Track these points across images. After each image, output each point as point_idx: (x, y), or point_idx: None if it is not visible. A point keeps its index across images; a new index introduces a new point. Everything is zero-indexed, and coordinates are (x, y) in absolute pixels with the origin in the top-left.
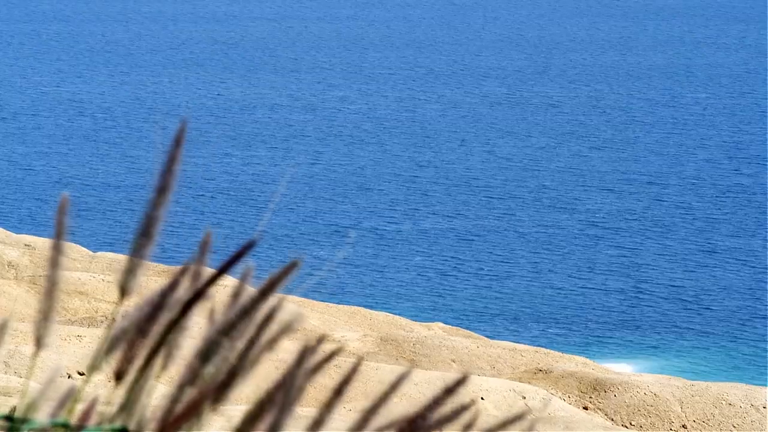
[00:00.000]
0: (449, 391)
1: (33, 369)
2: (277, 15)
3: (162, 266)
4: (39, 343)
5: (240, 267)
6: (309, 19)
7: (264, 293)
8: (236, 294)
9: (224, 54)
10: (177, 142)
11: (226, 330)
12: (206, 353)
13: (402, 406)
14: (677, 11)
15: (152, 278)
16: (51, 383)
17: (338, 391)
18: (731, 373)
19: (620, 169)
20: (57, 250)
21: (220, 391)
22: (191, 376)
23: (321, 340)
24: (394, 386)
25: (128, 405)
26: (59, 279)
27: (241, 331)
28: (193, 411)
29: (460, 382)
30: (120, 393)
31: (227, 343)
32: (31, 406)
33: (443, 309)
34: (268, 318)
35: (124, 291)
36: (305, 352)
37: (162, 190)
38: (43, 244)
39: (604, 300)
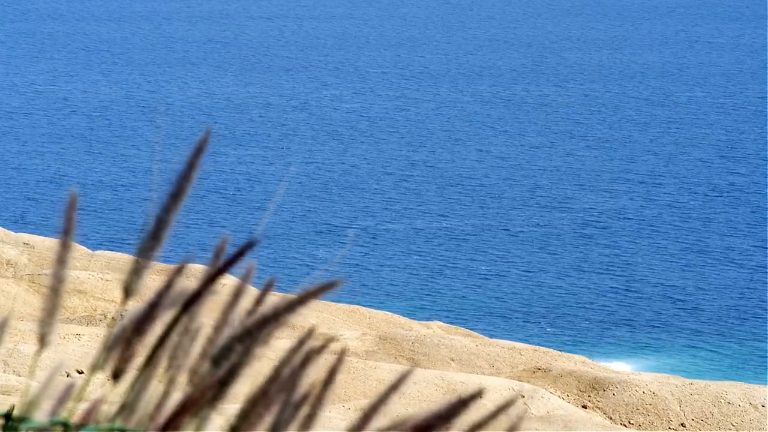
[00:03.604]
0: (463, 403)
1: (34, 367)
2: (271, 14)
3: (161, 265)
4: (42, 341)
5: (240, 266)
6: (303, 18)
7: (292, 306)
8: (256, 300)
9: (218, 53)
10: (199, 150)
11: (242, 337)
12: (219, 358)
13: (401, 405)
14: (671, 10)
15: (150, 277)
16: (51, 382)
17: (327, 382)
18: (728, 372)
19: (614, 169)
20: (64, 248)
21: (219, 389)
22: (197, 377)
23: (312, 332)
24: (395, 386)
25: (127, 404)
26: (65, 277)
27: (256, 338)
28: (192, 409)
29: (475, 396)
30: (118, 392)
31: (240, 348)
32: (31, 405)
33: (438, 308)
34: (277, 323)
35: (128, 292)
36: (298, 347)
37: (176, 194)
38: (41, 242)
39: (599, 299)
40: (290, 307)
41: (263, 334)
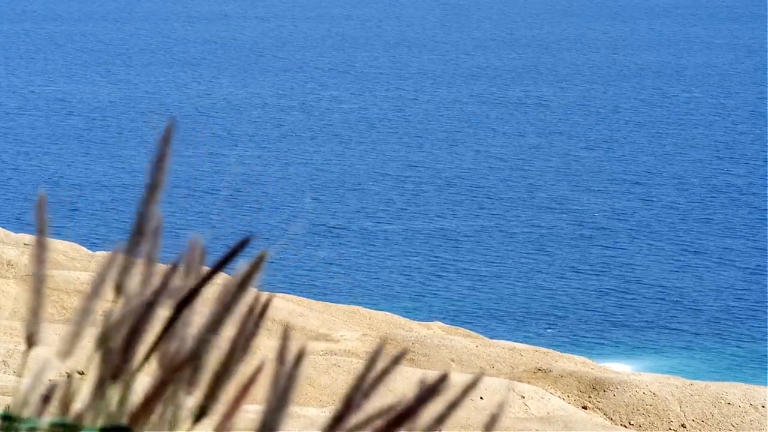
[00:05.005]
0: (432, 389)
1: (26, 367)
2: (269, 14)
3: (160, 266)
4: (30, 340)
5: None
6: (301, 19)
7: (241, 285)
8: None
9: (216, 54)
10: (165, 140)
11: (213, 327)
12: (197, 352)
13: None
14: (669, 11)
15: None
16: (38, 381)
17: (280, 360)
18: (726, 373)
19: (612, 169)
20: (41, 247)
21: (190, 370)
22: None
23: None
24: (368, 367)
25: (97, 399)
26: (46, 276)
27: (220, 322)
28: (163, 391)
29: (443, 379)
30: (117, 391)
31: (213, 337)
32: (23, 405)
33: (438, 309)
34: (233, 301)
35: (119, 289)
36: (301, 353)
37: (153, 187)
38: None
39: (598, 300)
40: (211, 275)
41: (221, 313)
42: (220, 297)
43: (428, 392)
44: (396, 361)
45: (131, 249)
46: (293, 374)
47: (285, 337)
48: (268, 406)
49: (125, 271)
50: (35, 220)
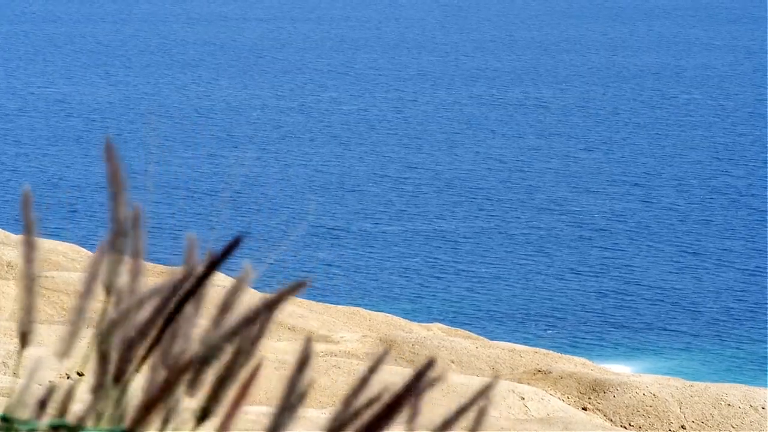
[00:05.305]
0: (419, 376)
1: (22, 368)
2: (268, 16)
3: (161, 267)
4: (24, 340)
5: (232, 265)
6: (300, 20)
7: (270, 306)
8: (234, 295)
9: (215, 55)
10: (110, 150)
11: (228, 337)
12: (207, 358)
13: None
14: (668, 12)
15: (152, 279)
16: (32, 382)
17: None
18: (725, 374)
19: (611, 171)
20: (30, 247)
21: (195, 373)
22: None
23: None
24: (373, 369)
25: (97, 401)
26: (36, 275)
27: (237, 333)
28: (166, 393)
29: (429, 365)
30: (116, 393)
31: (226, 345)
32: (18, 405)
33: (438, 310)
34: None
35: (109, 288)
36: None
37: (115, 194)
38: (42, 245)
39: (597, 301)
40: (268, 307)
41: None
42: (242, 311)
43: (415, 379)
44: (422, 373)
45: (115, 249)
46: (304, 376)
47: (308, 345)
48: (279, 407)
49: (114, 269)
50: (22, 219)
